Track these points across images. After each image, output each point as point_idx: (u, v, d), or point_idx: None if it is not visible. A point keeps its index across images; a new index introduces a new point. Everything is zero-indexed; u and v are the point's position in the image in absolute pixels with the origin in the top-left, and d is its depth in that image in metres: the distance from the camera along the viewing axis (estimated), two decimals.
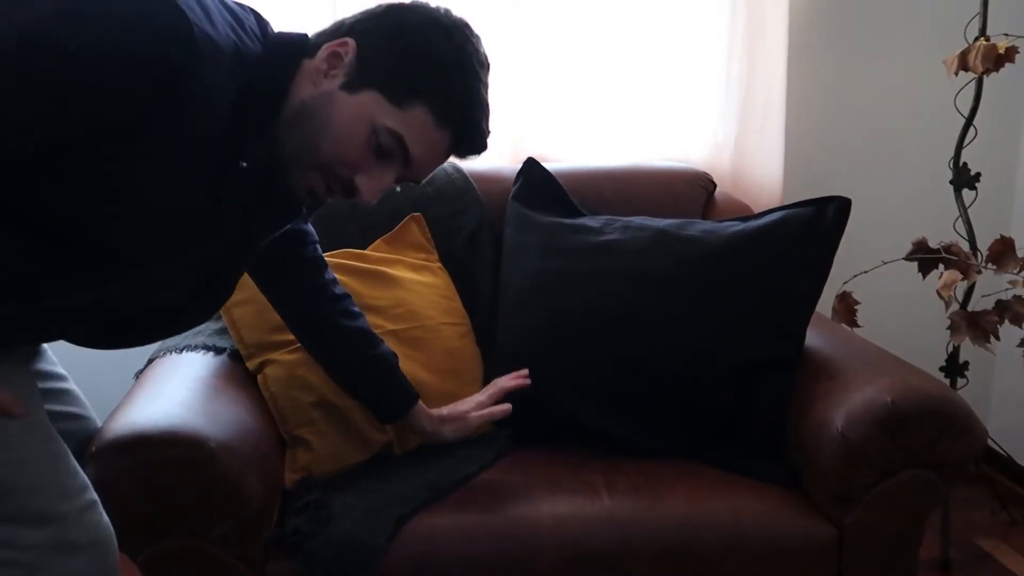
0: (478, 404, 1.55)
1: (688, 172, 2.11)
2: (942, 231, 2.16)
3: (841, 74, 2.35)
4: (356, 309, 1.51)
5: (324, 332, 1.50)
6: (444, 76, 1.03)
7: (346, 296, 1.51)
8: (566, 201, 1.91)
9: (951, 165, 2.11)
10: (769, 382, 1.65)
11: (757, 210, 2.11)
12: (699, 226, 1.77)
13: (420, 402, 1.53)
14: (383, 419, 1.54)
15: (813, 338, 1.71)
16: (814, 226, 1.67)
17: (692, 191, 2.05)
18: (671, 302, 1.60)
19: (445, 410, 1.56)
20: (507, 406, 1.54)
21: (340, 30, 1.06)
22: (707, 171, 2.12)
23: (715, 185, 2.10)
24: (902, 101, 2.42)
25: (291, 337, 1.62)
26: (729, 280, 1.65)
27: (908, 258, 2.14)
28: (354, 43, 1.03)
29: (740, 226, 1.73)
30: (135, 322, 1.14)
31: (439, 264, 1.92)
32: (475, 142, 1.09)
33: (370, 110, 1.01)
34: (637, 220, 1.83)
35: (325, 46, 1.03)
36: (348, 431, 1.61)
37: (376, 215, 1.91)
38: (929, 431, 1.46)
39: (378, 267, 1.79)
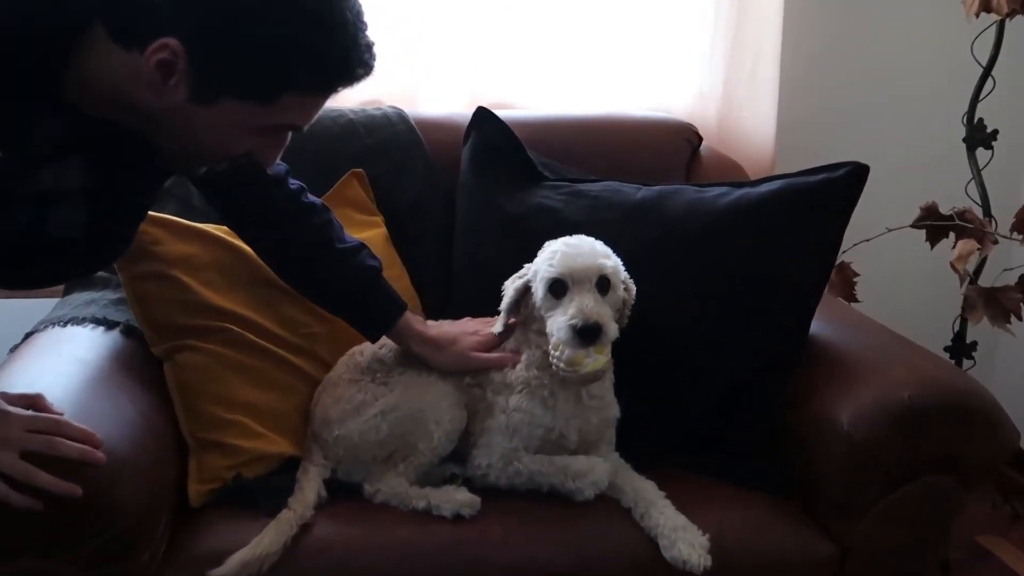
0: (481, 344, 1.39)
1: (670, 123, 1.86)
2: (953, 195, 1.94)
3: (843, 15, 2.12)
4: (323, 220, 1.40)
5: (290, 256, 1.41)
6: (303, 52, 0.92)
7: (310, 208, 1.40)
8: (524, 161, 1.63)
9: (964, 121, 1.92)
10: (765, 381, 1.42)
11: (747, 168, 1.88)
12: (682, 196, 1.50)
13: (410, 316, 1.40)
14: (368, 335, 1.42)
15: None
16: (822, 199, 1.41)
17: (674, 145, 1.80)
18: (648, 291, 1.37)
19: (445, 333, 1.41)
20: (509, 356, 1.38)
21: (151, 22, 0.90)
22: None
23: (701, 139, 1.84)
24: (911, 46, 2.15)
25: (219, 323, 1.39)
26: (720, 266, 1.42)
27: (916, 225, 1.91)
28: (179, 45, 0.89)
29: (733, 196, 1.46)
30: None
31: (384, 229, 1.67)
32: (360, 79, 0.98)
33: (238, 117, 0.95)
34: (608, 190, 1.56)
35: (149, 52, 0.90)
36: (281, 430, 1.39)
37: (310, 172, 1.63)
38: (950, 432, 1.25)
39: None
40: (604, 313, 1.25)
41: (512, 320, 1.37)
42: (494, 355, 1.38)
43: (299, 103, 0.97)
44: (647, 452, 1.39)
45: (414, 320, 1.39)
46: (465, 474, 1.35)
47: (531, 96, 2.01)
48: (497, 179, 1.62)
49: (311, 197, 1.40)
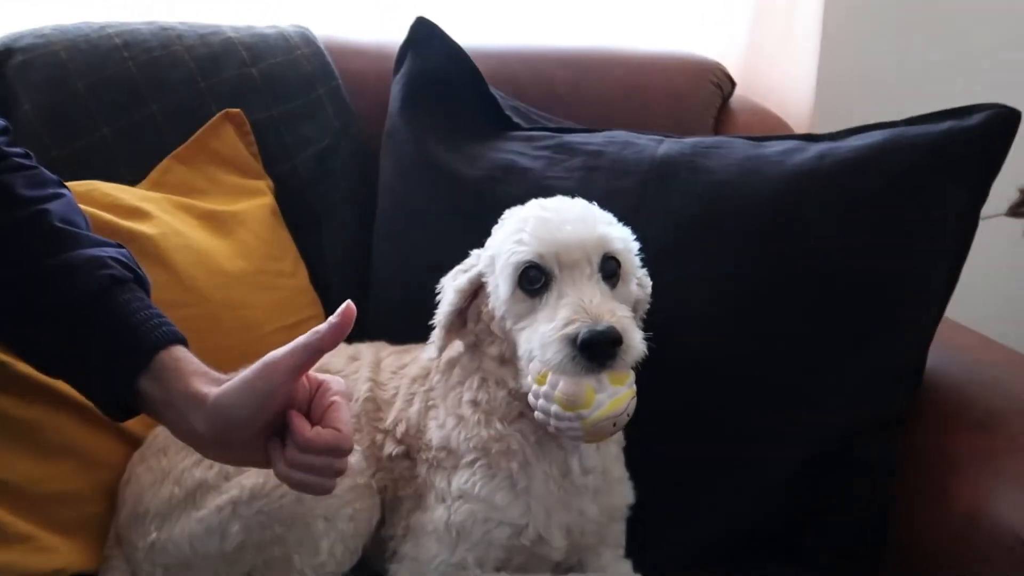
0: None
1: (691, 61, 1.35)
2: None
3: None
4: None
5: None
6: None
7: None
8: (484, 101, 1.12)
9: None
10: (866, 449, 0.90)
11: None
12: (731, 153, 0.98)
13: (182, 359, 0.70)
14: (99, 405, 0.73)
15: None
16: (953, 158, 0.92)
17: (698, 90, 1.29)
18: (680, 300, 0.89)
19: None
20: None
21: None
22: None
23: (733, 84, 1.34)
24: None
25: None
26: (795, 261, 0.91)
27: (1014, 212, 1.42)
28: None
29: (809, 153, 0.95)
30: None
31: (270, 199, 1.14)
32: None
33: None
34: (614, 144, 1.04)
35: None
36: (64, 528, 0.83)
37: (164, 112, 1.14)
38: None
39: (135, 224, 0.98)
40: (620, 312, 0.73)
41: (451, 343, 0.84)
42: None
43: None
44: (676, 561, 0.88)
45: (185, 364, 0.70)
46: None
47: (499, 29, 1.51)
48: (442, 126, 1.09)
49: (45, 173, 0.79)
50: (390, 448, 0.83)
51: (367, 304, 1.08)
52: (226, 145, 1.12)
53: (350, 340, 0.96)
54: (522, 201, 0.85)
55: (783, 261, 0.90)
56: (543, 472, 0.79)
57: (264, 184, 1.13)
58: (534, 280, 0.75)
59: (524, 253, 0.75)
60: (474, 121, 1.09)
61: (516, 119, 1.11)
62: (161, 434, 0.85)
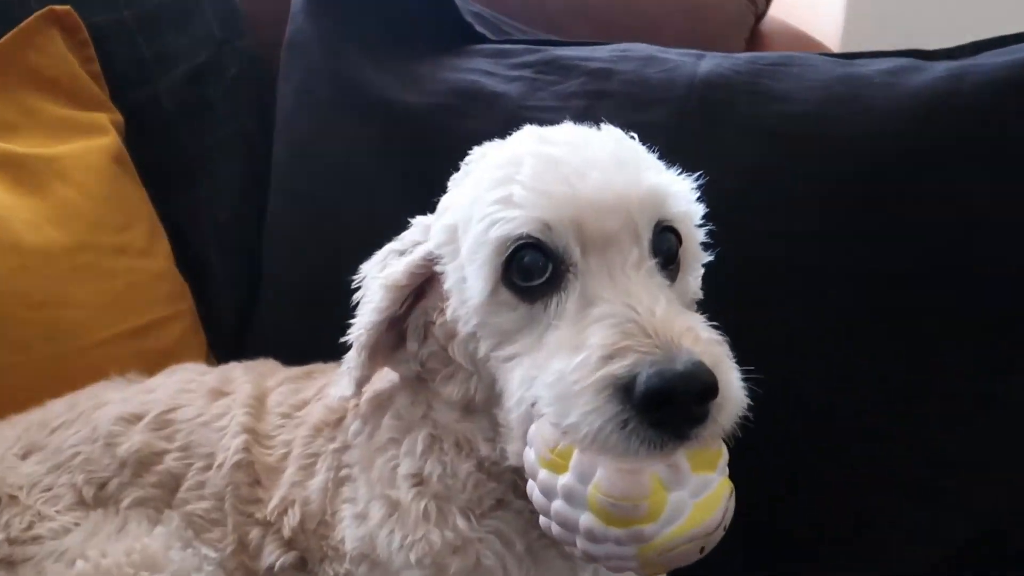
0: None
1: None
2: None
3: None
4: None
5: None
6: None
7: None
8: (443, 5, 0.77)
9: None
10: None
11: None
12: (809, 74, 0.67)
13: None
14: None
15: None
16: None
17: (725, 4, 0.99)
18: (740, 295, 0.56)
19: None
20: None
21: None
22: None
23: (767, 1, 1.01)
24: None
25: None
26: (913, 242, 0.60)
27: None
28: None
29: (929, 75, 0.64)
30: None
31: (114, 137, 0.80)
32: None
33: None
34: (629, 59, 0.73)
35: None
36: None
37: None
38: None
39: None
40: (703, 332, 0.41)
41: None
42: None
43: None
44: None
45: None
46: None
47: None
48: (370, 34, 0.77)
49: None
50: (272, 554, 0.49)
51: (255, 298, 0.73)
52: (49, 59, 0.79)
53: (224, 358, 0.63)
54: (492, 140, 0.52)
55: (902, 234, 0.58)
56: None
57: (106, 117, 0.79)
58: (533, 269, 0.41)
59: (516, 222, 0.41)
60: (419, 29, 0.75)
61: (481, 29, 0.77)
62: None
